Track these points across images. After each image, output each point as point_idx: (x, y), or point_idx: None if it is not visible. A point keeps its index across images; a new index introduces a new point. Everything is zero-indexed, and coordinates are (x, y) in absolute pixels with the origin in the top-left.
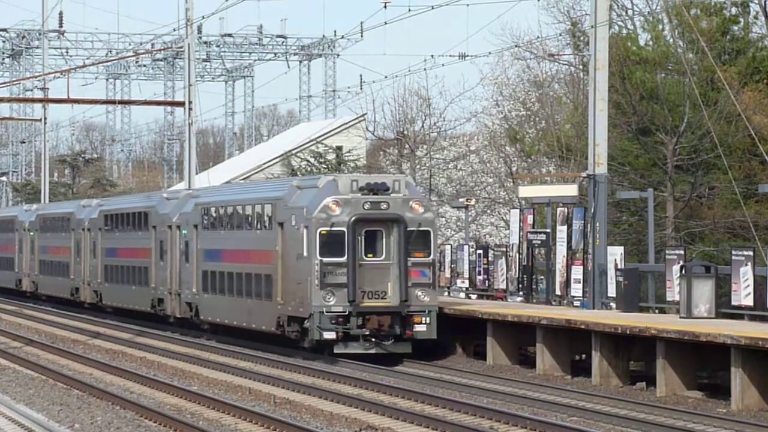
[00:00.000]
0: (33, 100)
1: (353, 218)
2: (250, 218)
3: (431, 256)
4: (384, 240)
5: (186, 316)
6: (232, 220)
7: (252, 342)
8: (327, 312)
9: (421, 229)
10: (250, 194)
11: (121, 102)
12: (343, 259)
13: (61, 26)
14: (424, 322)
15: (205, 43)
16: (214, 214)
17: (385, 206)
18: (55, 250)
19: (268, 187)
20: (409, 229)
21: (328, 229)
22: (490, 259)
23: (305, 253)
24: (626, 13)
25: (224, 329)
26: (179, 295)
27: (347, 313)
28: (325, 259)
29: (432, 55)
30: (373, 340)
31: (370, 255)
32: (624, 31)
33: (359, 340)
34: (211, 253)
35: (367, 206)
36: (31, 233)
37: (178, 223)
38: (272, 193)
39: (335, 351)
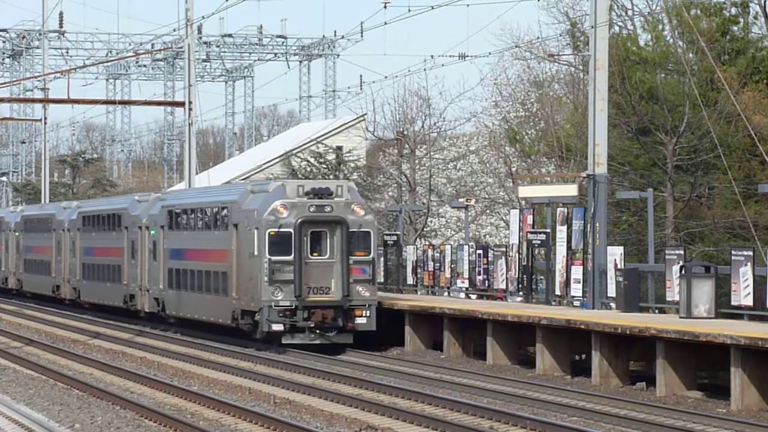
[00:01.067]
0: (33, 101)
1: (299, 220)
2: (209, 220)
3: (371, 255)
4: (328, 240)
5: (154, 311)
6: (194, 222)
7: (211, 334)
8: (275, 306)
9: (361, 230)
10: (210, 198)
11: (121, 102)
12: (290, 258)
13: (61, 26)
14: (364, 315)
15: (205, 43)
16: (178, 216)
17: (328, 209)
18: (38, 250)
19: (225, 191)
20: (350, 230)
21: (276, 230)
22: (490, 259)
23: (256, 252)
24: (626, 13)
25: (188, 323)
26: (148, 291)
27: (294, 307)
28: (274, 258)
29: (432, 56)
30: (318, 331)
31: (315, 254)
32: (624, 31)
33: (305, 332)
34: (176, 252)
35: (312, 209)
36: (17, 233)
37: (147, 224)
38: (228, 197)
39: (283, 342)
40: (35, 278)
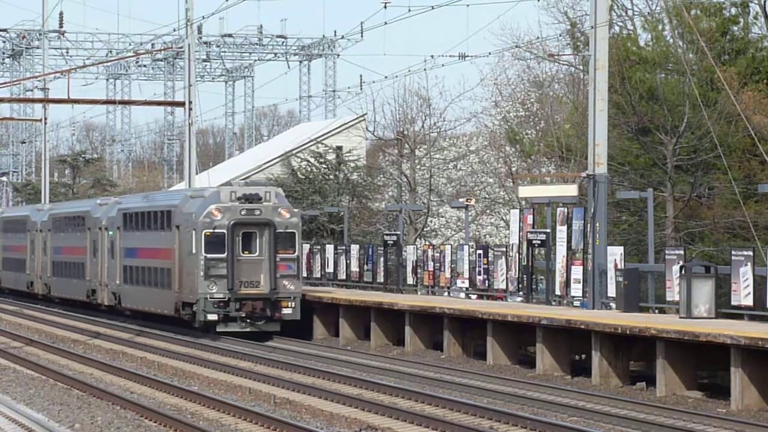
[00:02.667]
0: (33, 101)
1: (232, 222)
2: (156, 222)
3: (296, 253)
4: (257, 240)
5: (112, 304)
6: (145, 223)
7: (160, 324)
8: (210, 298)
9: (287, 231)
10: (157, 202)
11: (121, 102)
12: (224, 255)
13: (61, 26)
14: (290, 306)
15: (205, 43)
16: (132, 219)
17: (258, 212)
18: (14, 249)
19: (170, 196)
20: (277, 231)
21: (211, 231)
22: (490, 259)
23: (194, 251)
24: (626, 13)
25: (140, 314)
26: (107, 286)
27: (227, 299)
28: (209, 256)
29: (432, 56)
30: (249, 320)
31: (246, 252)
32: (624, 31)
33: (237, 321)
34: (130, 250)
35: (243, 212)
36: None
37: (107, 226)
38: (172, 201)
39: (218, 330)
40: (12, 275)
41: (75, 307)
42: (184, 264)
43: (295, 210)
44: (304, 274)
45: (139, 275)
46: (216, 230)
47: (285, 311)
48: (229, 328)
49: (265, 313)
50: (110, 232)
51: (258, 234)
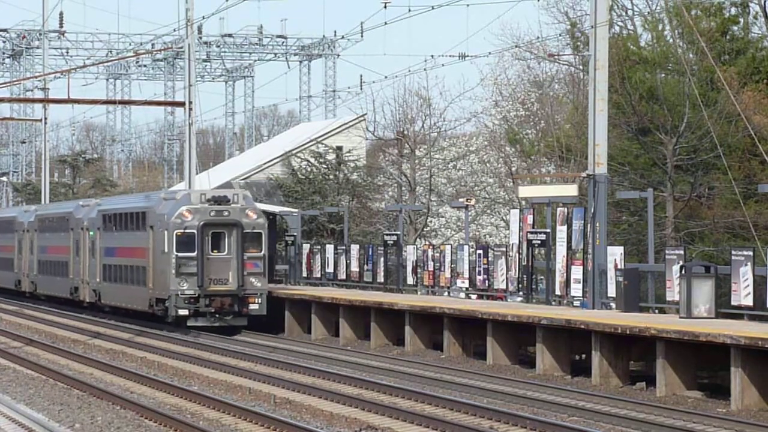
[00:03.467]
0: (33, 101)
1: (201, 223)
2: (132, 222)
3: (263, 252)
4: (226, 239)
5: (93, 300)
6: (122, 224)
7: (136, 319)
8: (181, 294)
9: (254, 231)
10: (134, 204)
11: (122, 102)
12: (194, 254)
13: (61, 26)
14: (257, 302)
15: (205, 43)
16: (110, 219)
17: (226, 214)
18: (3, 249)
19: (145, 198)
20: (245, 231)
21: (182, 231)
22: (490, 259)
23: (166, 250)
24: (626, 13)
25: (118, 310)
26: (88, 283)
27: (197, 295)
28: (180, 254)
29: (432, 55)
30: (217, 315)
31: (215, 251)
32: (624, 31)
33: (206, 316)
34: (109, 250)
35: (212, 214)
36: None
37: (88, 226)
38: (147, 203)
39: (188, 324)
40: (1, 274)
41: (59, 304)
42: (157, 262)
43: (261, 211)
44: (304, 274)
45: (117, 273)
46: (187, 230)
47: (252, 307)
48: (199, 323)
49: (233, 309)
50: (91, 233)
51: (226, 234)
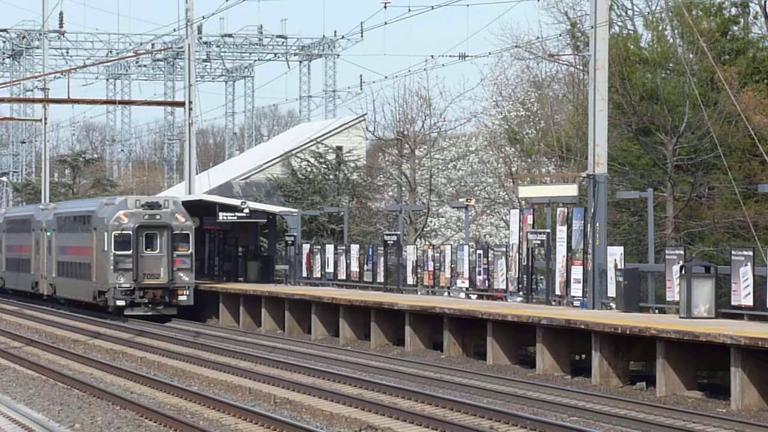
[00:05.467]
0: (33, 101)
1: (136, 225)
2: (80, 225)
3: (190, 250)
4: (158, 239)
5: (50, 294)
6: (72, 226)
7: (86, 310)
8: (119, 287)
9: (182, 232)
10: (82, 208)
11: (122, 102)
12: (130, 252)
13: (61, 26)
14: (185, 294)
15: (205, 43)
16: (63, 221)
17: (158, 217)
18: None
19: (91, 203)
20: (174, 232)
21: (119, 232)
22: (490, 259)
23: (106, 249)
24: (626, 13)
25: (70, 302)
26: (46, 278)
27: (132, 288)
28: (118, 252)
29: (432, 55)
30: (150, 305)
31: (149, 249)
32: (624, 31)
33: (141, 306)
34: (63, 249)
35: (146, 217)
36: None
37: (46, 228)
38: (92, 207)
39: (125, 313)
40: None
41: (24, 298)
42: (99, 259)
43: (189, 215)
44: (304, 274)
45: (69, 269)
46: (123, 231)
47: (181, 298)
48: (135, 312)
49: (164, 300)
50: (48, 233)
51: (158, 235)
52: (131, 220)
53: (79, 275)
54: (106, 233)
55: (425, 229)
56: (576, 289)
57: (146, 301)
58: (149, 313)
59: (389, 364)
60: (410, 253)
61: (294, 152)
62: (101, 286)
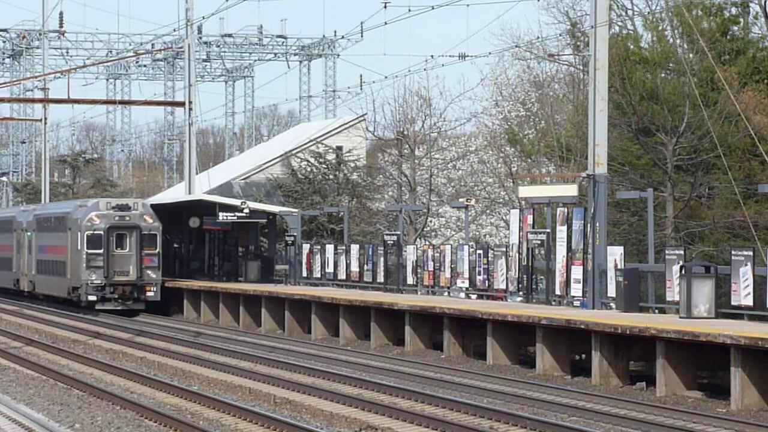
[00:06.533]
0: (33, 101)
1: (107, 226)
2: (57, 225)
3: (157, 249)
4: (127, 239)
5: (30, 290)
6: (50, 226)
7: (62, 305)
8: (91, 284)
9: (150, 232)
10: (58, 210)
11: (122, 102)
12: (101, 251)
13: (61, 26)
14: (152, 290)
15: (205, 43)
16: (41, 222)
17: (128, 218)
18: None
19: (66, 206)
20: (143, 233)
21: (92, 232)
22: (490, 259)
23: (79, 248)
24: (626, 13)
25: (48, 297)
26: (26, 276)
27: (103, 284)
28: (90, 251)
29: (432, 55)
30: (120, 300)
31: (119, 248)
32: (624, 31)
33: (111, 301)
34: (41, 248)
35: (116, 218)
36: None
37: (26, 228)
38: (67, 209)
39: (97, 308)
40: None
41: (8, 295)
42: (73, 258)
43: (156, 216)
44: (304, 274)
45: (46, 267)
46: (95, 232)
47: (149, 294)
48: (106, 306)
49: (133, 295)
50: (28, 233)
51: (128, 235)
52: (103, 221)
53: (56, 272)
54: (79, 233)
55: (425, 229)
56: (576, 289)
57: (116, 296)
58: (119, 308)
59: (389, 364)
60: (410, 253)
61: (294, 152)
62: (75, 282)
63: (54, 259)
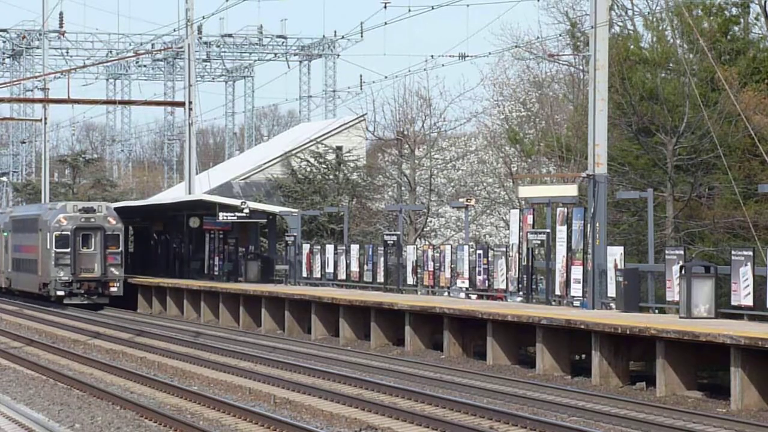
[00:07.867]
0: (33, 101)
1: (74, 227)
2: (29, 226)
3: (120, 248)
4: (93, 239)
5: (6, 286)
6: (24, 227)
7: (34, 300)
8: (59, 280)
9: (114, 233)
10: (30, 212)
11: (122, 102)
12: (68, 250)
13: (61, 26)
14: (116, 285)
15: (205, 43)
16: (16, 223)
17: (93, 220)
18: None
19: (37, 208)
20: (107, 233)
21: (60, 233)
22: (490, 259)
23: (48, 247)
24: (626, 13)
25: (22, 293)
26: (3, 273)
27: (71, 280)
28: (58, 250)
29: (432, 56)
30: (86, 295)
31: (85, 248)
32: (624, 31)
33: (78, 296)
34: (16, 247)
35: (82, 220)
36: None
37: (3, 229)
38: (39, 212)
39: (65, 302)
40: None
41: None
42: (43, 256)
43: (120, 218)
44: (304, 275)
45: (20, 265)
46: (63, 232)
47: (112, 289)
48: (73, 301)
49: (98, 291)
50: (5, 234)
51: (93, 235)
52: (70, 222)
53: (28, 270)
54: (49, 234)
55: (425, 229)
56: (576, 289)
57: (82, 291)
58: (85, 302)
59: (389, 364)
60: (410, 253)
61: (294, 152)
62: (45, 278)
63: (27, 258)
